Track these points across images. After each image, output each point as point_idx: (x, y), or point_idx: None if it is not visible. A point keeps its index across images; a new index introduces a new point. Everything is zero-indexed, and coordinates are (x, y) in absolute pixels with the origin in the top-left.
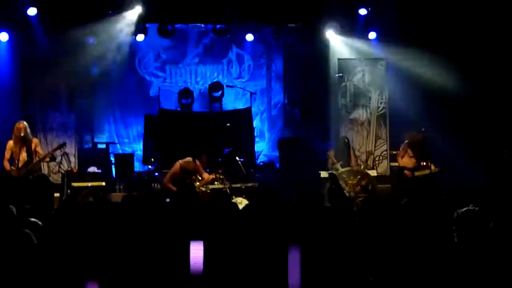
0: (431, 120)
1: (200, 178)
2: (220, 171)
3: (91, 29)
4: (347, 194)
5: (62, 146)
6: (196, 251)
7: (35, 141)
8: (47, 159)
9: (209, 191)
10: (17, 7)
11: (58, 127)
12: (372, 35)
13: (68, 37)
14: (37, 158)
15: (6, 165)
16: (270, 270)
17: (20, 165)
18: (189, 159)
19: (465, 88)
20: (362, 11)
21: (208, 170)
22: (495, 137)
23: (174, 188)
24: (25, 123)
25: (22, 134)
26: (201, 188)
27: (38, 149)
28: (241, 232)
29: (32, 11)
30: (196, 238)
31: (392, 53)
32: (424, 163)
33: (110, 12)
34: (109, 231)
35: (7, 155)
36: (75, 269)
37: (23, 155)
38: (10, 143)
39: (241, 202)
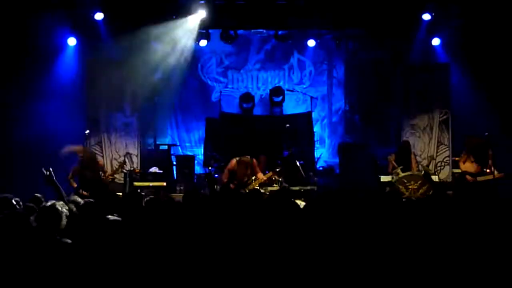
0: (496, 126)
1: (254, 178)
2: (277, 170)
3: (155, 33)
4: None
5: (123, 165)
6: None
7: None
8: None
9: (267, 193)
10: (85, 12)
11: (122, 128)
12: (436, 41)
13: (132, 41)
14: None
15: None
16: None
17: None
18: (245, 156)
19: None
20: (426, 16)
21: (267, 172)
22: None
23: (232, 186)
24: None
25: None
26: (259, 189)
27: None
28: (301, 232)
29: (99, 16)
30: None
31: (456, 58)
32: (488, 169)
33: (174, 17)
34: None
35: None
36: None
37: None
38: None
39: (300, 205)
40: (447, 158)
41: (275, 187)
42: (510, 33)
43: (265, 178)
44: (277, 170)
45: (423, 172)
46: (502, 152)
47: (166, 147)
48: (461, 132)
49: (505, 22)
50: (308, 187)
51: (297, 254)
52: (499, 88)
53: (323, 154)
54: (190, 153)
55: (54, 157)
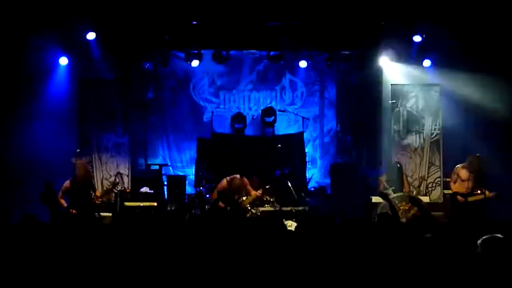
0: (486, 147)
1: (247, 196)
2: (267, 187)
3: (147, 53)
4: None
5: (115, 185)
6: None
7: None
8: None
9: (259, 213)
10: (77, 32)
11: (113, 147)
12: (427, 62)
13: (125, 61)
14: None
15: None
16: None
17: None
18: (236, 175)
19: None
20: (417, 38)
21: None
22: None
23: (222, 205)
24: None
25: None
26: (251, 210)
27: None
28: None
29: (91, 36)
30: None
31: (447, 79)
32: (479, 190)
33: (167, 37)
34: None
35: None
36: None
37: None
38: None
39: (291, 226)
40: (438, 179)
41: (267, 208)
42: (500, 55)
43: (257, 195)
44: (267, 187)
45: (408, 196)
46: (493, 173)
47: (157, 167)
48: (452, 153)
49: (495, 43)
50: (300, 208)
51: (285, 276)
52: (489, 109)
53: (314, 174)
54: (181, 173)
55: (45, 176)
